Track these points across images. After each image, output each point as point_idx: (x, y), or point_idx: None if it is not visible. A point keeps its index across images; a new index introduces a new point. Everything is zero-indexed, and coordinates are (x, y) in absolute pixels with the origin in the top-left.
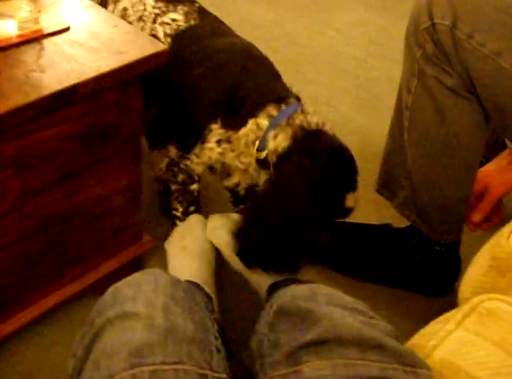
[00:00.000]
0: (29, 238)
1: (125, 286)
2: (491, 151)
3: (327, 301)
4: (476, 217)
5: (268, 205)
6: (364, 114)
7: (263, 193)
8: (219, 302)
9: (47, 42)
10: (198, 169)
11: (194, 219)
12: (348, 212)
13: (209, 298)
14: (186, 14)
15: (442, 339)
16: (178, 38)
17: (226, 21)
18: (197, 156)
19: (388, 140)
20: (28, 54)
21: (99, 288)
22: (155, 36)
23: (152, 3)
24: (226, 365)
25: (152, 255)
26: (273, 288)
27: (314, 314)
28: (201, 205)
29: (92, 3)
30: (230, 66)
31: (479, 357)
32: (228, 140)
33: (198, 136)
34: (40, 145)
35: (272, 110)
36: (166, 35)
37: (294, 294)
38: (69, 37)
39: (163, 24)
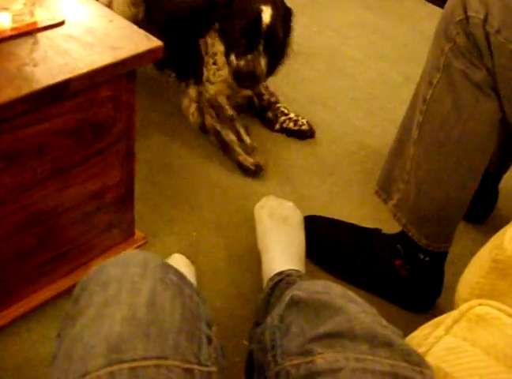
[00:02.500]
0: (20, 232)
1: (112, 264)
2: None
3: (341, 296)
4: None
5: None
6: (360, 115)
7: None
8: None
9: (41, 35)
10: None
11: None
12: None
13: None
14: None
15: (432, 345)
16: None
17: None
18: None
19: (394, 140)
20: (22, 48)
21: None
22: None
23: None
24: (218, 355)
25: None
26: (277, 282)
27: (329, 307)
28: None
29: None
30: None
31: (466, 363)
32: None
33: None
34: (32, 139)
35: None
36: None
37: (309, 287)
38: (64, 31)
39: None
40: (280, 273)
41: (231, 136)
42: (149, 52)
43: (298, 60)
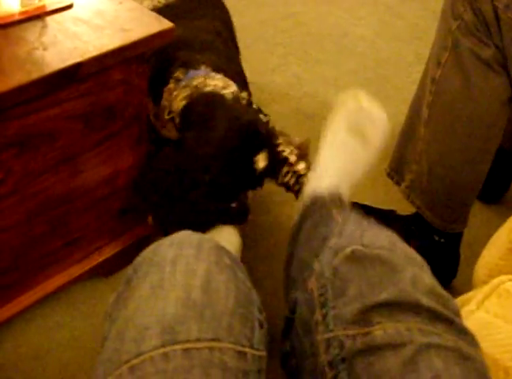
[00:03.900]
0: (33, 219)
1: (166, 245)
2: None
3: (407, 257)
4: None
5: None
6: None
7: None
8: None
9: (50, 19)
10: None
11: None
12: (262, 174)
13: None
14: None
15: (463, 320)
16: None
17: (231, 2)
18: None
19: (404, 122)
20: (31, 32)
21: (103, 270)
22: None
23: None
24: (267, 341)
25: (157, 236)
26: (309, 206)
27: (395, 271)
28: None
29: None
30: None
31: (499, 339)
32: (157, 116)
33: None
34: (43, 125)
35: (179, 74)
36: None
37: (373, 241)
38: (73, 14)
39: None
40: (318, 197)
41: None
42: (160, 34)
43: (309, 41)
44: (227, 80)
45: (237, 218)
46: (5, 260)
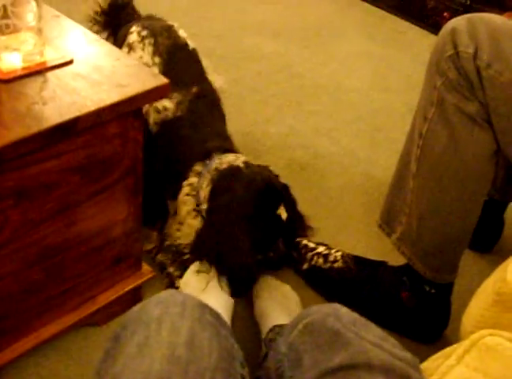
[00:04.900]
0: (28, 268)
1: (153, 303)
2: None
3: (353, 322)
4: None
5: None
6: (365, 147)
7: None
8: None
9: (50, 74)
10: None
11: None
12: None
13: None
14: (177, 104)
15: (444, 374)
16: (163, 126)
17: (228, 54)
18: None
19: (394, 174)
20: (31, 87)
21: (97, 318)
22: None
23: None
24: None
25: (151, 286)
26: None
27: (342, 336)
28: None
29: (97, 37)
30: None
31: None
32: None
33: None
34: (41, 177)
35: (198, 167)
36: (155, 122)
37: (319, 310)
38: (72, 70)
39: (156, 110)
40: (276, 327)
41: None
42: (156, 90)
43: (303, 93)
44: (234, 153)
45: (276, 265)
46: (1, 307)
